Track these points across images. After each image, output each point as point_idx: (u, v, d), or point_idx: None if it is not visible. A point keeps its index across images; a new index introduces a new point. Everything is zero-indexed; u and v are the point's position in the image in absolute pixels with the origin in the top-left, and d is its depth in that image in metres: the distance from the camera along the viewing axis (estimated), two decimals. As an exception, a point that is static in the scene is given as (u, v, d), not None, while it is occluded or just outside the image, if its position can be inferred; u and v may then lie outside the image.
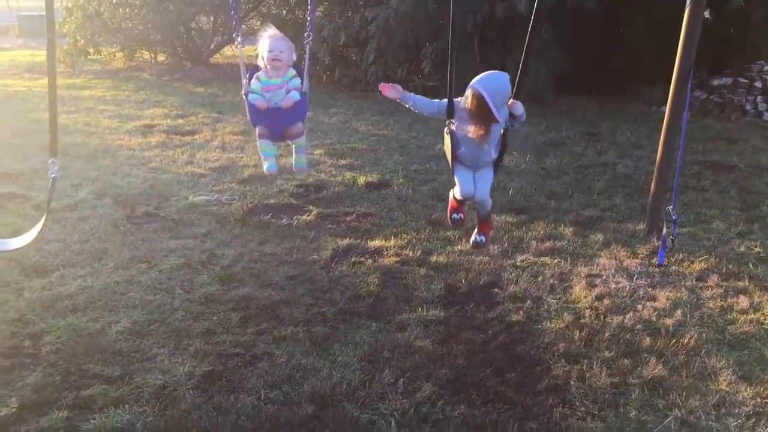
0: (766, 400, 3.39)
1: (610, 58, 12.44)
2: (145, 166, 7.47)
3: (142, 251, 5.12)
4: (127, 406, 3.26)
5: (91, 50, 15.73)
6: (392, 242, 5.40)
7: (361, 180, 7.10)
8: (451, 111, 4.16)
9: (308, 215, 6.02)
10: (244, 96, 4.51)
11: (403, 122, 10.31)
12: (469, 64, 11.37)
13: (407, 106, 4.35)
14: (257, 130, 4.59)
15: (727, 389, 3.48)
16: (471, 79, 4.09)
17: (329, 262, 5.03)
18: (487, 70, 4.11)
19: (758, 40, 12.11)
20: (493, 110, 3.97)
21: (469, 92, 4.04)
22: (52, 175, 3.45)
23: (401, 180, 7.15)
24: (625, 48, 12.14)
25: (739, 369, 3.67)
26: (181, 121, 10.06)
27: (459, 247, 5.32)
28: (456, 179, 4.26)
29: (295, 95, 4.43)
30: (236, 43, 4.70)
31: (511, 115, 4.08)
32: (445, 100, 4.19)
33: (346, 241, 5.42)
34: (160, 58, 16.91)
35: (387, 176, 7.30)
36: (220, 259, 5.00)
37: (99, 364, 3.61)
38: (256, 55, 4.63)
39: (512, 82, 4.00)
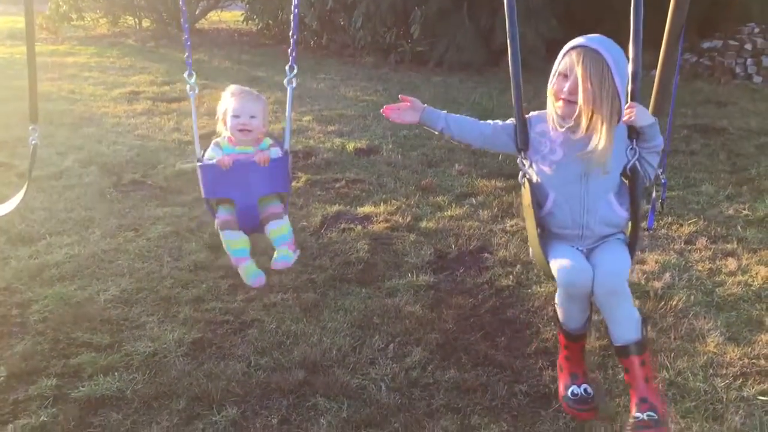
0: (753, 361, 3.42)
1: (600, 21, 12.34)
2: (131, 134, 7.39)
3: (129, 219, 5.08)
4: (116, 373, 3.25)
5: (74, 16, 15.46)
6: (382, 208, 5.38)
7: (350, 146, 7.05)
8: (525, 138, 2.61)
9: (297, 182, 5.98)
10: (197, 165, 3.37)
11: (392, 88, 10.22)
12: (459, 28, 11.29)
13: (436, 132, 2.90)
14: (218, 216, 3.34)
15: (715, 350, 3.50)
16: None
17: (318, 229, 5.01)
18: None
19: (748, 2, 12.03)
20: (619, 87, 2.40)
21: (569, 60, 2.44)
22: (33, 142, 3.39)
23: (390, 146, 7.10)
24: (615, 11, 12.03)
25: (726, 330, 3.69)
26: (167, 87, 9.93)
27: (449, 213, 5.31)
28: (553, 265, 2.53)
29: (274, 152, 3.33)
30: (187, 82, 3.56)
31: (633, 132, 2.48)
32: (509, 121, 2.74)
33: (336, 207, 5.40)
34: (145, 23, 16.65)
35: (376, 142, 7.24)
36: (208, 227, 4.95)
37: (87, 332, 3.59)
38: (216, 119, 3.56)
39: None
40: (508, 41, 2.65)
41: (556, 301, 2.74)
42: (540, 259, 2.60)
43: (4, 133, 7.06)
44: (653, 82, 5.53)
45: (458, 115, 2.81)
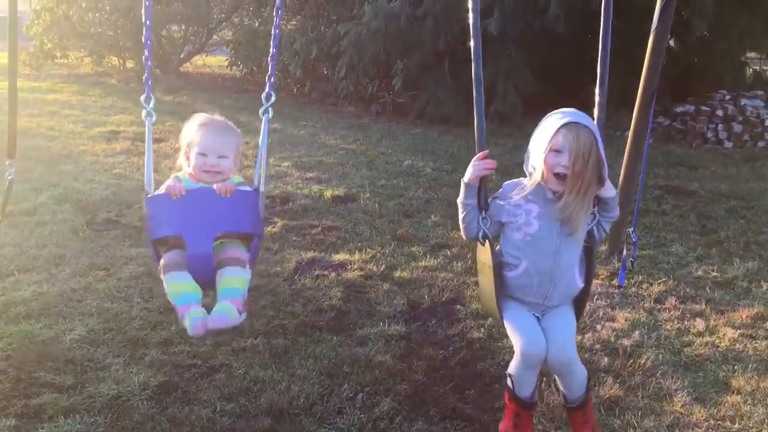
0: (719, 422, 3.44)
1: (578, 82, 12.65)
2: (109, 173, 7.37)
3: (101, 258, 5.03)
4: (78, 415, 3.18)
5: (57, 54, 15.53)
6: (356, 256, 5.39)
7: (328, 193, 7.09)
8: (485, 197, 2.70)
9: (273, 227, 5.98)
10: (144, 200, 2.79)
11: (372, 137, 10.34)
12: (440, 83, 11.51)
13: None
14: (162, 259, 2.67)
15: (682, 410, 3.52)
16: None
17: (292, 275, 5.00)
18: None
19: (720, 70, 12.46)
20: (603, 156, 2.55)
21: (565, 136, 2.53)
22: (9, 177, 3.38)
23: (368, 195, 7.15)
24: (592, 73, 12.34)
25: (693, 391, 3.72)
26: (147, 128, 9.94)
27: (423, 263, 5.33)
28: (508, 327, 2.71)
29: (237, 180, 2.86)
30: (144, 114, 3.02)
31: (596, 200, 2.64)
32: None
33: (311, 254, 5.40)
34: (129, 64, 16.75)
35: (354, 190, 7.29)
36: (181, 269, 4.93)
37: (51, 372, 3.52)
38: (179, 149, 3.11)
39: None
40: (475, 111, 2.76)
41: (511, 370, 2.79)
42: (495, 316, 2.75)
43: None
44: (626, 142, 5.66)
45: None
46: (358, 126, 11.38)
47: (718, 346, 4.24)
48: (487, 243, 2.67)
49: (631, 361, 3.99)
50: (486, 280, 2.70)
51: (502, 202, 2.72)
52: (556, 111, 2.66)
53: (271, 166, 7.97)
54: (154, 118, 2.99)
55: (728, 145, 11.17)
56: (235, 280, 2.68)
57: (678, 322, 4.55)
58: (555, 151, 2.54)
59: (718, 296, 4.99)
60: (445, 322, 4.44)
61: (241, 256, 2.75)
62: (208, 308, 2.67)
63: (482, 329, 4.32)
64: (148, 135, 2.96)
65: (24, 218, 5.70)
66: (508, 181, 2.79)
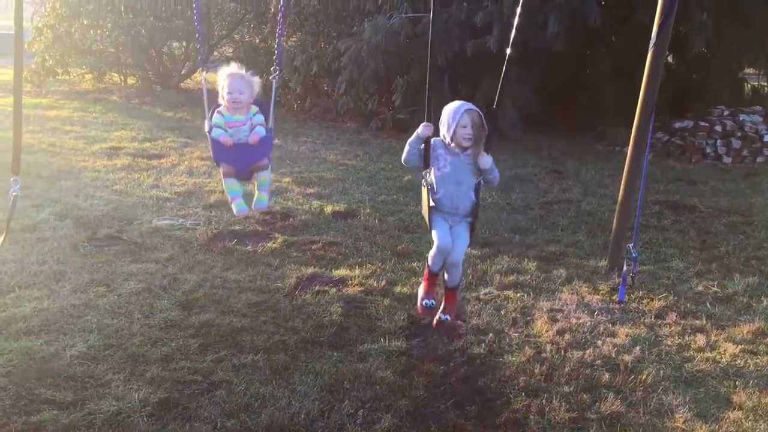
0: (720, 438, 3.44)
1: (577, 98, 12.71)
2: (109, 189, 7.38)
3: (101, 274, 5.04)
4: (78, 432, 3.18)
5: (59, 71, 15.59)
6: (357, 272, 5.39)
7: (328, 209, 7.10)
8: (428, 161, 3.99)
9: (273, 242, 5.99)
10: (207, 133, 4.40)
11: (372, 153, 10.37)
12: (440, 98, 11.55)
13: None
14: (222, 168, 4.52)
15: (683, 427, 3.51)
16: (442, 113, 4.03)
17: (293, 290, 5.00)
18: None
19: (718, 86, 12.50)
20: (486, 126, 3.96)
21: (468, 117, 3.92)
22: (13, 194, 3.40)
23: (368, 210, 7.16)
24: (590, 89, 12.42)
25: (695, 406, 3.71)
26: (148, 144, 9.98)
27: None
28: (433, 233, 3.98)
29: (261, 130, 4.38)
30: (201, 71, 4.85)
31: (480, 171, 3.98)
32: (421, 146, 4.00)
33: (311, 269, 5.40)
34: (130, 81, 16.81)
35: (354, 206, 7.31)
36: (181, 285, 4.94)
37: (51, 388, 3.52)
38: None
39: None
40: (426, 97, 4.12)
41: (430, 255, 4.06)
42: (429, 224, 4.05)
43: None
44: (626, 158, 5.68)
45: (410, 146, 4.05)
46: (358, 142, 11.42)
47: (719, 362, 4.24)
48: (426, 186, 3.98)
49: (632, 376, 3.98)
50: (425, 206, 4.03)
51: (433, 152, 4.03)
52: (455, 102, 4.07)
53: (272, 181, 7.98)
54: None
55: (727, 160, 11.19)
56: (264, 179, 4.54)
57: (679, 338, 4.55)
58: (462, 126, 3.93)
59: (718, 312, 4.99)
60: (446, 337, 4.43)
61: (265, 164, 4.51)
62: (246, 196, 4.54)
63: (483, 345, 4.32)
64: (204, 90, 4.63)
65: (25, 234, 5.70)
66: (436, 138, 4.00)
